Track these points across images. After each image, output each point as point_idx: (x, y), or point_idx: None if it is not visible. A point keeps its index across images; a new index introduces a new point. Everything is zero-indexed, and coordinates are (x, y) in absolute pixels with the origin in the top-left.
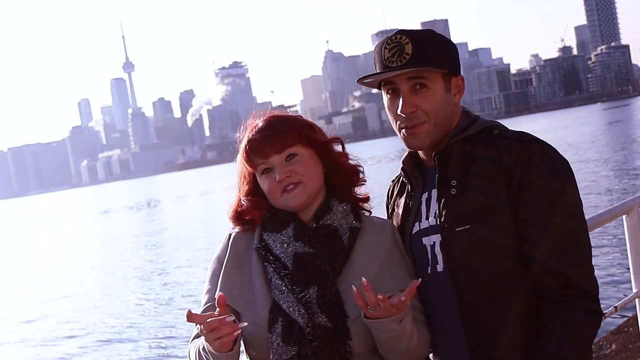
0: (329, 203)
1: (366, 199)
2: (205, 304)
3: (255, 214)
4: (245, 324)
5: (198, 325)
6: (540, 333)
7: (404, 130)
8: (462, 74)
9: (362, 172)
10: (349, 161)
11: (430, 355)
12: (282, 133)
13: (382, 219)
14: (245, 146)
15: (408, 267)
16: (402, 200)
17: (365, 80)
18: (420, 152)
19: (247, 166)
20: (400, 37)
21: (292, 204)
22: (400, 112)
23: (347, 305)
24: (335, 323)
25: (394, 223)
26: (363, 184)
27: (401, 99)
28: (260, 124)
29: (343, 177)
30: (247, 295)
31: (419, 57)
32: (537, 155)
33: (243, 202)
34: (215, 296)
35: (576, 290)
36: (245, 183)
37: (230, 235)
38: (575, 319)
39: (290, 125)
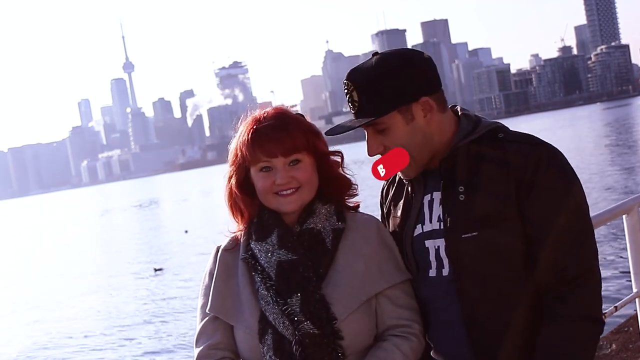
0: (313, 206)
1: (355, 207)
2: (202, 319)
3: (247, 214)
4: None
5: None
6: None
7: None
8: (433, 86)
9: (356, 187)
10: (345, 175)
11: (432, 353)
12: (292, 136)
13: (367, 215)
14: (251, 138)
15: (397, 262)
16: (401, 202)
17: (336, 134)
18: None
19: (247, 158)
20: (347, 84)
21: (286, 209)
22: (368, 155)
23: (334, 307)
24: (323, 328)
25: (392, 224)
26: (355, 197)
27: (366, 144)
28: (270, 118)
29: (335, 188)
30: (236, 305)
31: (366, 106)
32: (545, 158)
33: (235, 195)
34: (207, 310)
35: (575, 292)
36: (237, 172)
37: (218, 248)
38: (566, 325)
39: (301, 130)
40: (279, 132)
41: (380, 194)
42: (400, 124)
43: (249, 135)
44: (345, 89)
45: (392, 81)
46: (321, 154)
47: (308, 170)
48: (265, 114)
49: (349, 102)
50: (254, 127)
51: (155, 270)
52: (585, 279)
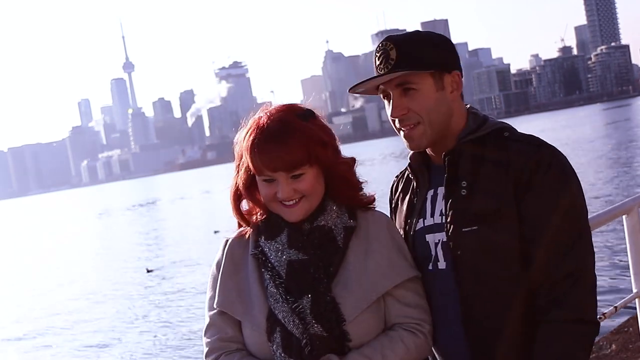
0: (324, 203)
1: (370, 201)
2: (210, 310)
3: (255, 212)
4: None
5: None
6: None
7: (401, 133)
8: (461, 69)
9: (365, 195)
10: (354, 177)
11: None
12: (293, 151)
13: (378, 212)
14: (252, 149)
15: (406, 258)
16: (407, 197)
17: (358, 90)
18: (428, 150)
19: (250, 165)
20: (385, 44)
21: (290, 219)
22: (391, 116)
23: (343, 307)
24: (331, 331)
25: (398, 219)
26: (365, 195)
27: (391, 103)
28: (272, 127)
29: (344, 190)
30: (245, 301)
31: (403, 62)
32: (545, 159)
33: (242, 195)
34: (215, 305)
35: (569, 294)
36: (243, 173)
37: (227, 241)
38: (559, 328)
39: (303, 144)
40: (280, 146)
41: (390, 190)
42: (431, 88)
43: (251, 145)
44: (382, 49)
45: (435, 46)
46: (326, 164)
47: (311, 181)
48: (269, 118)
49: (381, 62)
50: (256, 136)
51: (148, 271)
52: (579, 281)
